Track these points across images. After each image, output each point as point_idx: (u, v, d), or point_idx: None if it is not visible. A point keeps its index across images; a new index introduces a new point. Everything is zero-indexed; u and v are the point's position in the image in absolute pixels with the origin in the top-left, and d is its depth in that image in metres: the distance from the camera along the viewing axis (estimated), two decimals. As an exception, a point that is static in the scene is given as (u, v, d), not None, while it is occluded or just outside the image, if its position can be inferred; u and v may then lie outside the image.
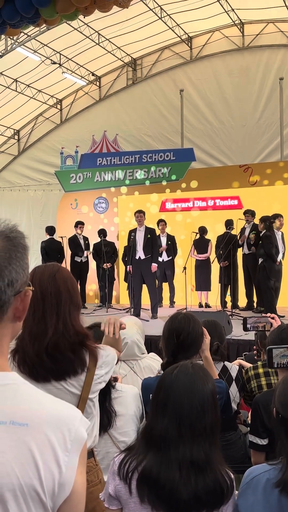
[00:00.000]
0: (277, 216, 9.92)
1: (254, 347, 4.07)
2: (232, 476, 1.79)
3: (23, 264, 1.18)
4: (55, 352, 2.02)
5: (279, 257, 9.65)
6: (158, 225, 11.53)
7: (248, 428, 3.29)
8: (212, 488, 1.72)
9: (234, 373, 3.53)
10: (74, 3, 6.82)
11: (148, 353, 3.63)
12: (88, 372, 2.09)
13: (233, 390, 3.49)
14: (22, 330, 2.08)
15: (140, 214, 10.14)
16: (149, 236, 9.99)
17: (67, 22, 12.28)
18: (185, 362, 1.94)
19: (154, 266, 9.99)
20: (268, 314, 3.14)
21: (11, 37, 12.88)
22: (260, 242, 9.65)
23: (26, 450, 1.10)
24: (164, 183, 12.55)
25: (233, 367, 3.59)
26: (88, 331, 2.42)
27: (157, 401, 1.85)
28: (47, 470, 1.10)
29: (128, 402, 2.80)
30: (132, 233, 10.13)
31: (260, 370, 3.55)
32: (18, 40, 13.52)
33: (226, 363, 3.59)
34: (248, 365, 4.07)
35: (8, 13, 7.29)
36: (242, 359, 4.96)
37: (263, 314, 3.21)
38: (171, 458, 1.74)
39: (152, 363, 3.42)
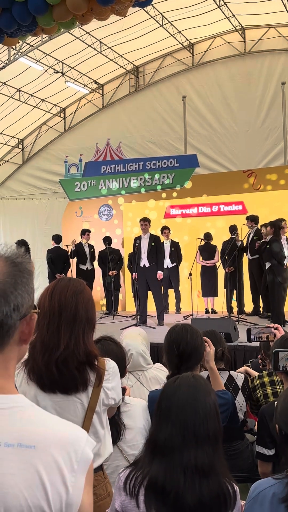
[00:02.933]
0: (282, 220, 9.93)
1: (259, 356, 4.08)
2: (236, 486, 1.82)
3: (28, 289, 1.21)
4: (63, 367, 2.07)
5: (285, 262, 9.64)
6: (162, 232, 11.55)
7: (255, 436, 3.31)
8: (215, 494, 1.75)
9: (240, 382, 3.55)
10: (71, 11, 6.81)
11: (155, 362, 3.65)
12: (95, 387, 2.13)
13: (240, 399, 3.50)
14: (34, 337, 2.12)
15: (145, 223, 10.17)
16: (153, 244, 10.01)
17: (68, 31, 12.37)
18: (186, 373, 1.99)
19: (160, 274, 10.02)
20: (272, 325, 3.16)
21: (13, 47, 12.97)
22: (268, 246, 9.64)
23: (34, 472, 1.12)
24: (159, 188, 12.62)
25: (239, 376, 3.60)
26: (96, 344, 2.45)
27: (160, 410, 1.89)
28: (55, 491, 1.13)
29: (137, 415, 2.82)
30: (137, 240, 10.16)
31: (266, 379, 3.56)
32: (20, 50, 13.61)
33: (232, 372, 3.61)
34: (254, 373, 4.08)
35: (5, 22, 7.26)
36: (248, 366, 4.97)
37: (267, 325, 3.23)
38: (175, 464, 1.77)
39: (158, 374, 3.44)
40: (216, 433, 1.84)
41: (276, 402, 2.73)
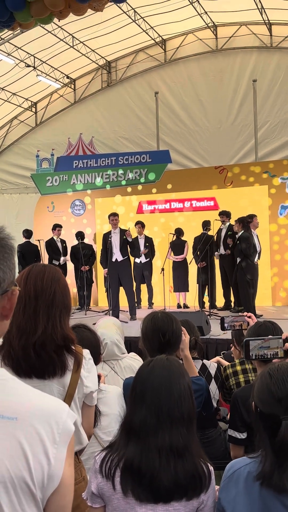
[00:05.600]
0: (252, 216, 10.06)
1: (231, 345, 4.13)
2: (210, 466, 1.85)
3: (10, 264, 1.22)
4: (41, 350, 2.07)
5: (256, 257, 9.78)
6: (135, 227, 11.56)
7: (228, 424, 3.35)
8: (191, 474, 1.78)
9: (213, 371, 3.59)
10: (48, 7, 6.80)
11: (128, 353, 3.67)
12: (73, 372, 2.14)
13: (213, 387, 3.55)
14: (9, 322, 2.11)
15: (114, 217, 10.22)
16: (124, 237, 10.05)
17: (41, 25, 12.27)
18: (160, 356, 2.00)
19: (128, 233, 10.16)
20: (245, 313, 3.21)
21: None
22: (238, 242, 9.77)
23: (16, 443, 1.13)
24: (123, 183, 12.64)
25: (212, 364, 3.64)
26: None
27: (135, 393, 1.90)
28: (37, 462, 1.14)
29: (112, 402, 2.83)
30: (108, 235, 10.18)
31: (238, 368, 3.61)
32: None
33: (205, 361, 3.65)
34: (226, 363, 4.13)
35: (-17, 18, 7.24)
36: (221, 357, 5.02)
37: (240, 314, 3.27)
38: (150, 446, 1.79)
39: (133, 363, 3.46)
40: (190, 415, 1.87)
41: (248, 386, 2.78)
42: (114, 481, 1.81)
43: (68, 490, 1.20)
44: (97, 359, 2.66)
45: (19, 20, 7.24)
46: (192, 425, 1.87)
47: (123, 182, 12.64)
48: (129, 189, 12.75)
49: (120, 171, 12.58)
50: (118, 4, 12.71)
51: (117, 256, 10.04)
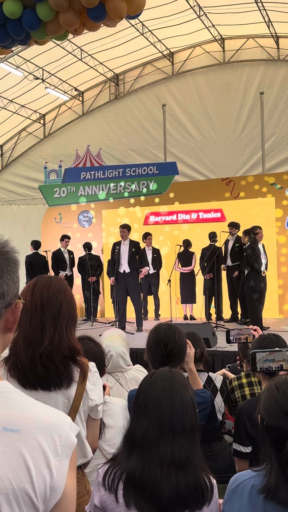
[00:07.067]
0: (257, 228, 10.06)
1: (237, 357, 4.12)
2: (213, 479, 1.84)
3: (14, 278, 1.23)
4: (48, 362, 2.07)
5: (262, 268, 9.77)
6: (145, 238, 11.54)
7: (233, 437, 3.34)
8: (193, 486, 1.77)
9: (218, 384, 3.58)
10: (63, 26, 6.90)
11: (133, 365, 3.67)
12: (79, 384, 2.13)
13: (218, 400, 3.53)
14: (16, 333, 2.11)
15: (123, 229, 10.18)
16: (133, 250, 10.04)
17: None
18: (163, 368, 2.00)
19: (146, 268, 10.23)
20: (251, 326, 3.21)
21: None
22: (244, 254, 9.78)
23: (18, 455, 1.14)
24: (126, 195, 12.67)
25: (218, 377, 3.63)
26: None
27: (137, 404, 1.90)
28: (39, 474, 1.14)
29: (117, 414, 2.82)
30: (117, 246, 10.16)
31: (244, 380, 3.60)
32: (0, 56, 13.57)
33: (211, 374, 3.64)
34: (232, 375, 4.12)
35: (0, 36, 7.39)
36: (227, 370, 5.00)
37: (246, 327, 3.27)
38: (152, 457, 1.78)
39: (138, 375, 3.45)
40: (193, 427, 1.86)
41: (252, 399, 2.77)
42: (117, 494, 1.80)
43: (70, 502, 1.20)
44: (101, 371, 2.66)
45: (35, 38, 7.37)
46: (195, 438, 1.86)
47: (126, 194, 12.68)
48: (132, 200, 12.78)
49: (123, 183, 12.60)
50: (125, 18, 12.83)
51: (124, 267, 10.04)
